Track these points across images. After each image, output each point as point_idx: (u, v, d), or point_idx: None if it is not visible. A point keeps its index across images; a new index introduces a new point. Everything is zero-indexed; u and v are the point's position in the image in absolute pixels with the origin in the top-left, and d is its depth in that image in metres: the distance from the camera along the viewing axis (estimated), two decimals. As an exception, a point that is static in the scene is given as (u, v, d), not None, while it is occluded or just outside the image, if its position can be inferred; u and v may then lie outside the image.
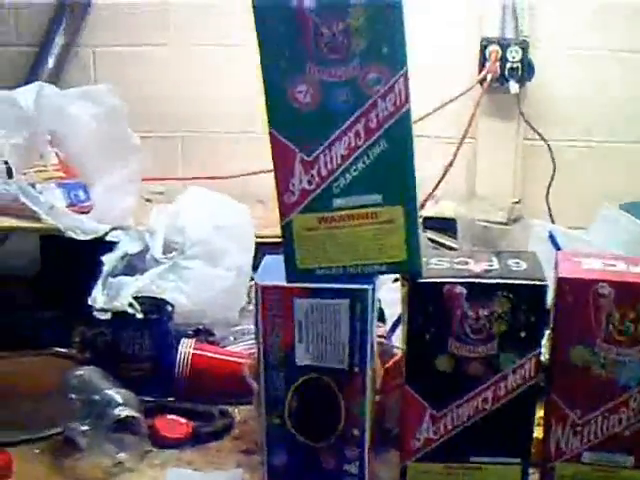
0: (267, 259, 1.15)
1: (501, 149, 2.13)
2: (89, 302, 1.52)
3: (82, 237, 1.67)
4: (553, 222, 2.00)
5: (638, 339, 1.08)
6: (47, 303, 1.75)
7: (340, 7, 0.99)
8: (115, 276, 1.63)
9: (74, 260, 1.71)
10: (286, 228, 1.06)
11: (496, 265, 1.10)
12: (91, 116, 1.78)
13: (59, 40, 2.33)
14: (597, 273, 1.09)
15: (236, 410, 1.43)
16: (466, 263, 1.11)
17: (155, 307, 1.52)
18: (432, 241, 1.83)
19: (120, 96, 1.82)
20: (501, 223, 1.85)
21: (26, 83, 1.93)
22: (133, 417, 1.28)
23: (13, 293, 1.79)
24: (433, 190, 2.05)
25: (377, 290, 1.11)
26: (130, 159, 1.76)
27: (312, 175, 1.04)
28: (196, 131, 2.32)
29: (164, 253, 1.65)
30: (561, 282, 1.08)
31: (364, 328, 1.08)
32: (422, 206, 2.02)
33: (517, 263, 1.10)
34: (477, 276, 1.08)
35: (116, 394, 1.31)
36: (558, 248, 1.55)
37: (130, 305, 1.49)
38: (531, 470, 1.17)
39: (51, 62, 2.29)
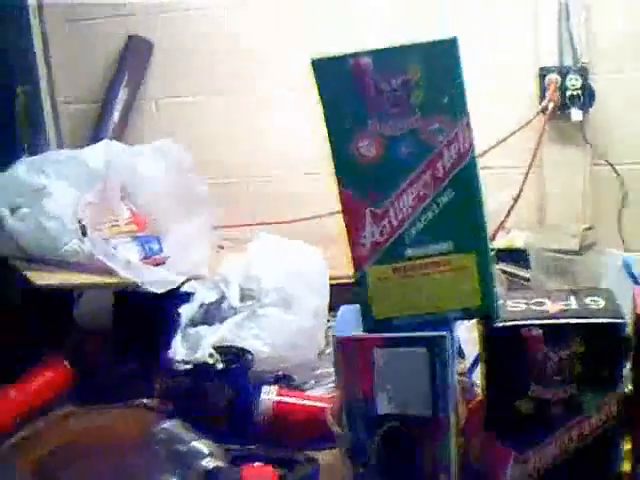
0: (343, 309, 1.17)
1: (568, 177, 2.12)
2: (169, 354, 1.55)
3: (160, 290, 1.69)
4: (625, 249, 1.98)
5: None
6: (125, 357, 1.76)
7: (397, 63, 1.01)
8: (194, 326, 1.65)
9: (149, 313, 1.73)
10: (361, 280, 1.08)
11: (573, 304, 1.10)
12: (159, 170, 1.82)
13: (122, 94, 2.37)
14: (676, 307, 1.08)
15: (320, 455, 1.44)
16: (542, 304, 1.11)
17: (235, 356, 1.54)
18: (504, 272, 1.82)
19: (185, 146, 1.85)
20: (573, 251, 1.83)
21: (92, 140, 1.98)
22: (221, 467, 1.29)
23: (91, 349, 1.82)
24: (503, 221, 2.05)
25: (455, 333, 1.11)
26: (200, 209, 1.79)
27: (383, 226, 1.05)
28: (262, 176, 2.34)
29: (240, 301, 1.67)
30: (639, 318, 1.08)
31: (444, 374, 1.09)
32: (493, 238, 2.02)
33: (594, 301, 1.10)
34: (553, 317, 1.08)
35: (202, 445, 1.33)
36: (634, 277, 1.54)
37: (210, 355, 1.51)
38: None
39: (116, 116, 2.32)
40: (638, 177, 2.11)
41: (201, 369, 1.50)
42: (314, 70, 1.03)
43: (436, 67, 1.01)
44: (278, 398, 1.51)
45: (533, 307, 1.10)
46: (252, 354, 1.56)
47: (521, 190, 2.07)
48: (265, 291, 1.64)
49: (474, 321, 1.13)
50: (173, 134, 1.91)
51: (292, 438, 1.48)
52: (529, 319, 1.08)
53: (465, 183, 1.04)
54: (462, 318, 1.09)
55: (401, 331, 1.09)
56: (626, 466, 1.16)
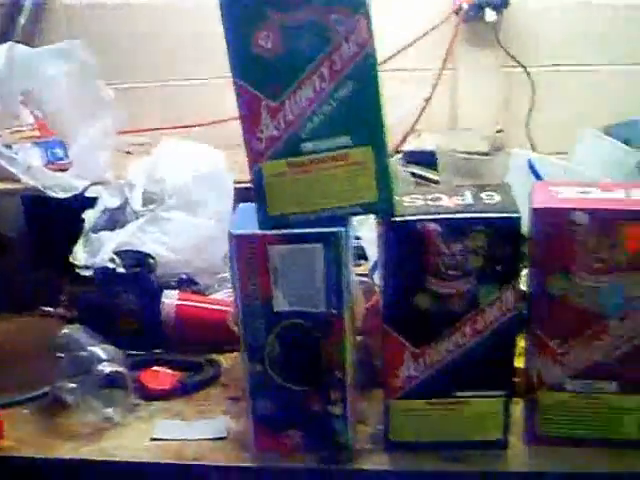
0: (240, 207, 1.15)
1: (481, 78, 2.11)
2: (70, 260, 1.52)
3: (62, 195, 1.67)
4: (534, 150, 1.99)
5: (615, 266, 1.07)
6: (34, 263, 1.73)
7: None
8: (97, 232, 1.62)
9: (57, 219, 1.72)
10: (256, 176, 1.06)
11: (469, 199, 1.10)
12: (62, 72, 1.76)
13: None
14: (571, 201, 1.09)
15: (223, 358, 1.43)
16: (439, 199, 1.10)
17: (137, 260, 1.52)
18: (414, 175, 1.81)
19: (95, 49, 1.80)
20: (484, 153, 1.83)
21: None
22: (118, 372, 1.29)
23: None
24: (414, 123, 2.04)
25: (352, 231, 1.10)
26: (104, 113, 1.74)
27: (279, 120, 1.03)
28: (173, 79, 2.29)
29: (144, 205, 1.64)
30: (536, 212, 1.08)
31: (339, 271, 1.08)
32: (404, 140, 2.01)
33: (490, 196, 1.10)
34: (450, 212, 1.07)
35: (101, 350, 1.32)
36: (538, 176, 1.54)
37: (111, 260, 1.48)
38: (515, 401, 1.18)
39: (23, 20, 2.24)
40: (549, 80, 2.10)
41: (102, 274, 1.48)
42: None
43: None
44: (180, 302, 1.49)
45: (430, 202, 1.10)
46: (154, 258, 1.53)
47: (433, 92, 2.05)
48: (168, 194, 1.62)
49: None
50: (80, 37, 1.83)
51: (196, 341, 1.48)
52: (426, 214, 1.07)
53: (363, 76, 1.02)
54: (359, 213, 1.08)
55: (297, 228, 1.08)
56: (519, 362, 1.17)
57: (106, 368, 1.29)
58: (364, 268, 1.47)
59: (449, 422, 1.16)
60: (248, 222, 1.09)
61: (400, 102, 2.01)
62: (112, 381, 1.30)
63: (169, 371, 1.39)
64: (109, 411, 1.29)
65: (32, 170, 1.67)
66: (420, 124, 2.06)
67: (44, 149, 1.78)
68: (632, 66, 2.06)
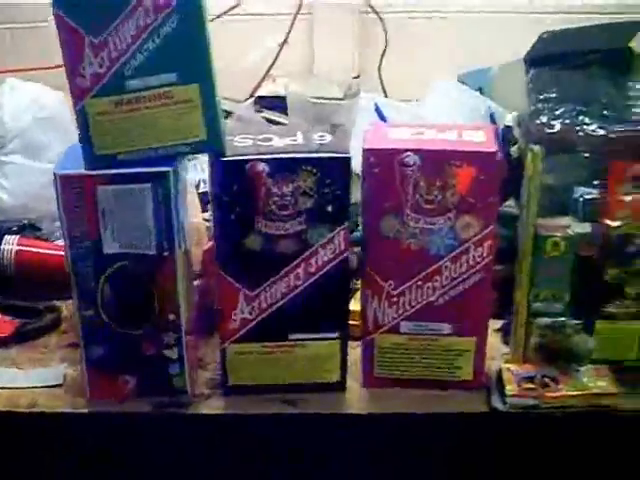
0: (69, 148, 1.11)
1: (337, 24, 2.09)
2: None
3: None
4: (386, 96, 1.98)
5: (446, 208, 1.08)
6: None
7: None
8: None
9: None
10: (80, 114, 1.03)
11: (300, 140, 1.09)
12: None
13: None
14: (403, 142, 1.09)
15: (64, 305, 1.40)
16: (270, 140, 1.09)
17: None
18: (268, 120, 1.79)
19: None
20: (338, 99, 1.82)
21: None
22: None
23: None
24: (269, 69, 2.02)
25: (184, 171, 1.08)
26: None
27: (102, 58, 1.00)
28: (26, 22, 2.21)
29: (-16, 149, 1.59)
30: (366, 153, 1.08)
31: (169, 211, 1.07)
32: (259, 85, 1.99)
33: (322, 137, 1.09)
34: (279, 152, 1.06)
35: None
36: (383, 118, 1.54)
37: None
38: (354, 344, 1.19)
39: None
40: (400, 25, 2.09)
41: None
42: None
43: None
44: (19, 247, 1.45)
45: (260, 143, 1.08)
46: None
47: (287, 36, 2.03)
48: (10, 138, 1.56)
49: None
50: None
51: (36, 288, 1.43)
52: (254, 154, 1.05)
53: (188, 12, 1.00)
54: (189, 152, 1.07)
55: (125, 168, 1.05)
56: (356, 305, 1.17)
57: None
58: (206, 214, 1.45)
59: (285, 365, 1.16)
60: (75, 162, 1.06)
61: (255, 47, 1.99)
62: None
63: (7, 318, 1.35)
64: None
65: None
66: (276, 70, 2.03)
67: None
68: (486, 14, 2.07)
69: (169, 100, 1.02)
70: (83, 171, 1.05)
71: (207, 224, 1.32)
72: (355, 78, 2.03)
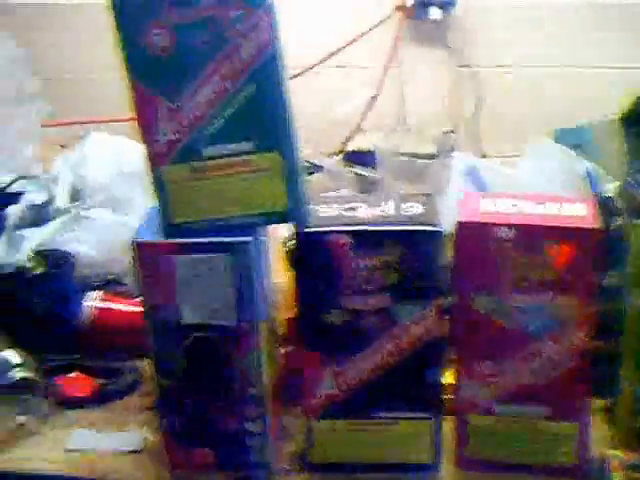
0: (148, 211, 1.08)
1: (428, 78, 2.04)
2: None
3: (-17, 188, 1.58)
4: (481, 152, 1.92)
5: (543, 285, 1.01)
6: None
7: None
8: (20, 229, 1.55)
9: None
10: (156, 181, 1.00)
11: (388, 210, 1.03)
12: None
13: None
14: (498, 216, 1.02)
15: (146, 363, 1.36)
16: (356, 209, 1.04)
17: (56, 260, 1.45)
18: (357, 175, 1.75)
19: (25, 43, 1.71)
20: (431, 155, 1.77)
21: None
22: (31, 378, 1.23)
23: None
24: (360, 123, 1.97)
25: (264, 236, 1.04)
26: (30, 104, 1.67)
27: (179, 123, 0.97)
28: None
29: (70, 202, 1.57)
30: (460, 226, 1.02)
31: (249, 281, 1.02)
32: (349, 139, 1.95)
33: (412, 207, 1.03)
34: (364, 223, 1.01)
35: (11, 355, 1.25)
36: (479, 183, 1.48)
37: (30, 259, 1.41)
38: (447, 418, 1.12)
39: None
40: (496, 81, 2.03)
41: (18, 274, 1.41)
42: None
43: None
44: (101, 304, 1.42)
45: (344, 213, 1.03)
46: (74, 257, 1.46)
47: (379, 91, 1.98)
48: (93, 191, 1.55)
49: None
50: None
51: (116, 347, 1.41)
52: (338, 225, 1.00)
53: (266, 78, 0.96)
54: (268, 222, 1.02)
55: (203, 236, 1.01)
56: (449, 378, 1.12)
57: (17, 374, 1.23)
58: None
59: (372, 444, 1.11)
60: (155, 228, 1.02)
61: (346, 99, 1.95)
62: (25, 387, 1.24)
63: (88, 378, 1.32)
64: (22, 419, 1.23)
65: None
66: (367, 123, 1.99)
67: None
68: (582, 69, 1.99)
69: (247, 168, 0.98)
70: (160, 239, 1.01)
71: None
72: (448, 133, 1.97)
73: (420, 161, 1.73)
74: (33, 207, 1.60)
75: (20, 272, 1.41)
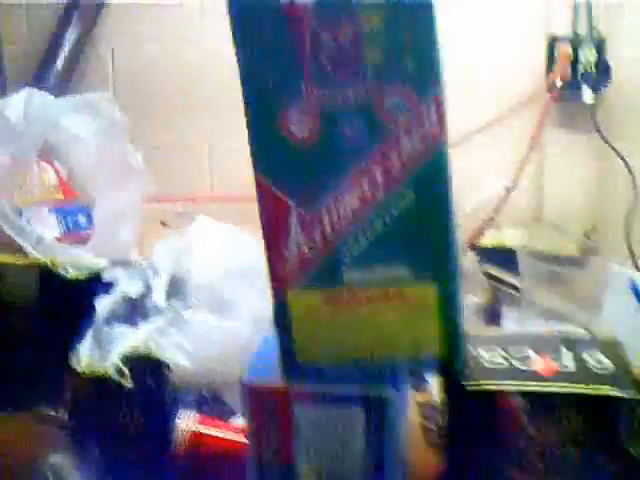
0: (264, 339, 0.85)
1: (572, 168, 1.80)
2: (71, 361, 1.24)
3: (74, 275, 1.38)
4: (635, 262, 1.66)
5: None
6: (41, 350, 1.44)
7: (346, 7, 0.68)
8: (111, 324, 1.34)
9: (71, 301, 1.40)
10: (279, 307, 0.77)
11: (568, 362, 0.79)
12: (87, 128, 1.51)
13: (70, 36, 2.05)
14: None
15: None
16: (526, 358, 0.79)
17: (149, 371, 1.23)
18: (491, 277, 1.51)
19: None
20: (571, 258, 1.52)
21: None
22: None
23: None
24: (494, 216, 1.72)
25: (406, 388, 0.80)
26: (133, 179, 1.47)
27: (314, 237, 0.75)
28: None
29: (168, 298, 1.36)
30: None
31: (386, 442, 0.79)
32: (481, 233, 1.70)
33: (596, 358, 0.79)
34: (540, 379, 0.77)
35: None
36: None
37: (117, 370, 1.20)
38: None
39: (59, 63, 1.99)
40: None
41: (104, 386, 1.19)
42: (231, 15, 0.71)
43: (401, 17, 0.69)
44: (196, 428, 1.20)
45: (514, 362, 0.79)
46: (170, 369, 1.24)
47: (516, 180, 1.74)
48: (196, 289, 1.33)
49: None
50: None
51: (211, 476, 1.17)
52: (508, 381, 0.76)
53: (430, 184, 0.73)
54: (417, 370, 0.78)
55: (333, 382, 0.78)
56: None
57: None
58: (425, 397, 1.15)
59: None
60: (271, 363, 0.80)
61: (479, 188, 1.72)
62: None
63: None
64: None
65: (43, 243, 1.39)
66: (500, 217, 1.74)
67: (63, 215, 1.51)
68: None
69: (397, 301, 0.75)
70: (278, 384, 0.78)
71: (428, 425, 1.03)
72: (590, 231, 1.72)
73: (562, 268, 1.49)
74: (126, 300, 1.38)
75: (105, 384, 1.19)
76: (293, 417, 0.79)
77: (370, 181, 0.72)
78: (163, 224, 1.75)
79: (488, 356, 0.80)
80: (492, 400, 0.75)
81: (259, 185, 0.74)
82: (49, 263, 1.37)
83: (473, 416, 0.76)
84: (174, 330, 1.31)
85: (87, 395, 1.24)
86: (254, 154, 0.73)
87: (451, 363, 0.77)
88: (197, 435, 1.19)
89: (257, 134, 0.73)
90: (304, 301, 0.76)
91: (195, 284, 1.36)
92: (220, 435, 1.19)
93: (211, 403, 1.28)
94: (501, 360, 0.79)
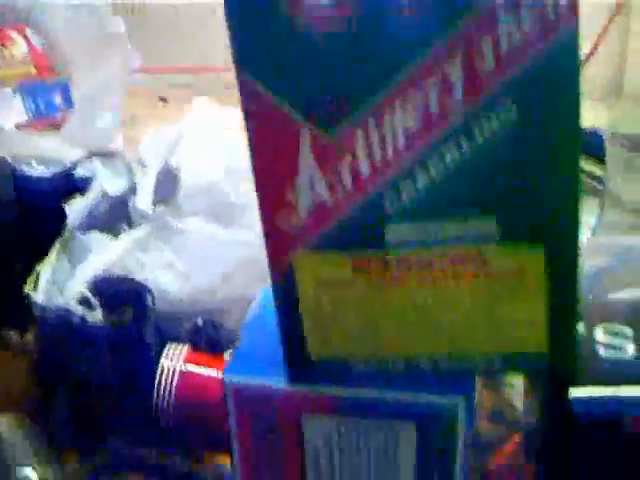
0: (259, 304, 0.57)
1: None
2: (25, 288, 0.98)
3: (40, 170, 1.11)
4: None
5: None
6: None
7: None
8: (84, 233, 1.07)
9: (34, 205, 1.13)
10: (282, 283, 0.47)
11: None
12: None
13: None
14: None
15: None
16: None
17: (124, 300, 0.96)
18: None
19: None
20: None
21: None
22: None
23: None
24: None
25: (474, 404, 0.52)
26: (113, 52, 1.18)
27: (339, 175, 0.44)
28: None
29: (154, 203, 1.08)
30: None
31: (448, 473, 0.50)
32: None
33: None
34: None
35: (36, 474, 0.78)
36: None
37: (82, 301, 0.93)
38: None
39: None
40: None
41: (67, 321, 0.93)
42: None
43: None
44: (186, 367, 0.93)
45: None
46: (154, 296, 0.97)
47: (597, 44, 1.43)
48: (192, 194, 1.05)
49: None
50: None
51: (204, 434, 0.91)
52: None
53: (543, 92, 0.42)
54: (500, 370, 0.49)
55: (363, 387, 0.49)
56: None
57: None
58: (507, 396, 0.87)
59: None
60: (268, 350, 0.51)
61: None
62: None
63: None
64: None
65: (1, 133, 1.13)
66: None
67: (33, 95, 1.25)
68: None
69: (474, 269, 0.45)
70: (280, 382, 0.50)
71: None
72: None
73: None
74: (105, 201, 1.11)
75: (66, 322, 0.92)
76: (302, 433, 0.50)
77: (439, 85, 0.42)
78: (162, 100, 1.47)
79: (606, 347, 0.51)
80: (619, 420, 0.47)
81: (249, 94, 0.44)
82: (8, 158, 1.09)
83: (589, 444, 0.48)
84: (161, 244, 1.03)
85: (51, 330, 0.98)
86: (240, 48, 0.43)
87: (557, 365, 0.48)
88: (187, 376, 0.92)
89: (245, 16, 0.42)
90: (321, 272, 0.47)
91: (189, 185, 1.07)
92: (215, 375, 0.92)
93: (208, 334, 1.00)
94: (621, 355, 0.51)
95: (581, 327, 0.52)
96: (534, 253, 0.45)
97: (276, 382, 0.51)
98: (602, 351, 0.51)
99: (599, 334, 0.52)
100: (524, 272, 0.45)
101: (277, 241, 0.47)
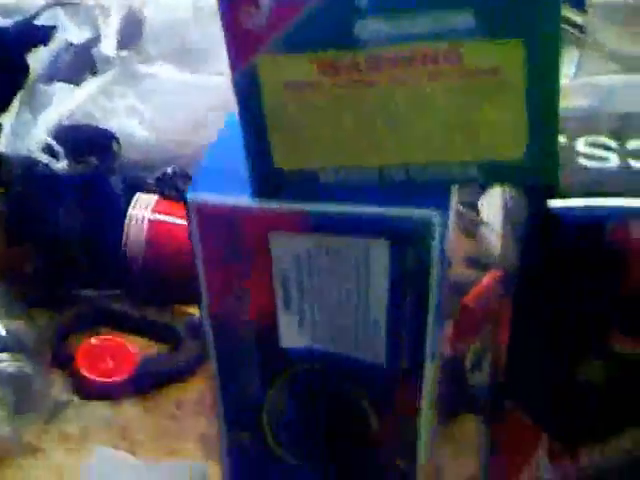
0: (227, 124, 0.54)
1: None
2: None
3: (1, 21, 1.07)
4: None
5: None
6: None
7: None
8: (48, 82, 1.04)
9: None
10: (244, 86, 0.44)
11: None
12: None
13: None
14: None
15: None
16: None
17: (91, 147, 0.93)
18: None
19: None
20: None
21: None
22: (25, 372, 0.74)
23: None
24: None
25: (451, 209, 0.50)
26: None
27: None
28: None
29: (120, 48, 1.04)
30: None
31: (422, 292, 0.48)
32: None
33: None
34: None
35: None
36: None
37: (45, 150, 0.90)
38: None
39: None
40: None
41: (30, 175, 0.90)
42: None
43: None
44: (155, 216, 0.91)
45: (632, 162, 0.48)
46: (119, 142, 0.94)
47: None
48: (157, 38, 1.01)
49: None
50: None
51: (175, 284, 0.88)
52: (622, 195, 0.45)
53: None
54: (480, 180, 0.47)
55: (335, 200, 0.47)
56: None
57: (7, 366, 0.73)
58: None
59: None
60: (233, 168, 0.48)
61: None
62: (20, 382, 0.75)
63: (128, 347, 0.83)
64: (10, 430, 0.75)
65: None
66: None
67: None
68: None
69: (451, 67, 0.42)
70: (245, 199, 0.47)
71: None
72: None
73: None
74: (68, 50, 1.07)
75: (27, 168, 0.89)
76: (268, 253, 0.48)
77: None
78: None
79: (588, 151, 0.48)
80: (598, 227, 0.44)
81: None
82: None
83: (568, 253, 0.46)
84: (126, 89, 1.00)
85: (17, 181, 0.95)
86: None
87: (538, 172, 0.45)
88: (156, 224, 0.90)
89: None
90: (286, 74, 0.43)
91: (155, 29, 1.03)
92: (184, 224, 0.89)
93: (178, 184, 0.98)
94: (608, 165, 0.48)
95: (562, 139, 0.49)
96: (513, 49, 0.42)
97: (242, 199, 0.48)
98: (585, 161, 0.48)
99: (581, 146, 0.49)
100: (502, 70, 0.42)
101: (239, 42, 0.43)
